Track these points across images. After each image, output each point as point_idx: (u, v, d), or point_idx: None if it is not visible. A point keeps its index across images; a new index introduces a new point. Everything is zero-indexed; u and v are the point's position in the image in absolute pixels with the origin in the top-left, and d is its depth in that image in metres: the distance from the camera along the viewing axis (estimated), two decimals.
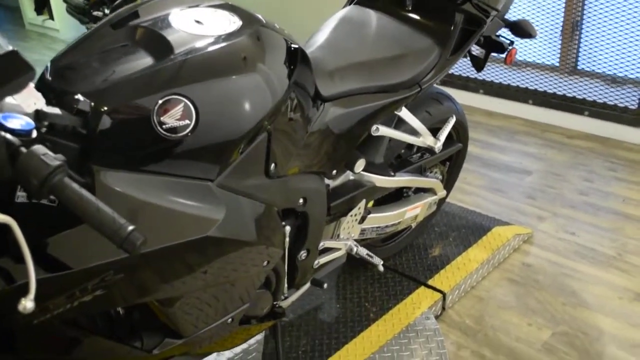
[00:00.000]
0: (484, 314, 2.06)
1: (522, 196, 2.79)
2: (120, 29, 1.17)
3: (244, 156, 1.17)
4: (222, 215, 1.12)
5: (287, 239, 1.47)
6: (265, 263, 1.30)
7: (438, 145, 1.84)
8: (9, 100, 0.92)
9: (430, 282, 2.12)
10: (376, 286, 2.11)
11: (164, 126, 1.04)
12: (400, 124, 1.73)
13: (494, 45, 1.99)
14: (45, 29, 7.27)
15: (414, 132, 1.76)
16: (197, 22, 1.21)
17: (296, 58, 1.31)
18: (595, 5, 3.36)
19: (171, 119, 1.04)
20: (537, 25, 3.57)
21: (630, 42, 3.30)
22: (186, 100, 1.06)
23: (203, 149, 1.09)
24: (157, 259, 1.05)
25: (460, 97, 3.92)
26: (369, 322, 1.94)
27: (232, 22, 1.23)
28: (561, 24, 3.54)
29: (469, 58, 2.08)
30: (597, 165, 3.05)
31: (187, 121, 1.06)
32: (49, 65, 1.11)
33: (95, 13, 5.53)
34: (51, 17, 6.96)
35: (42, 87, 1.08)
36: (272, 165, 1.26)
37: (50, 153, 0.83)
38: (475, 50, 2.06)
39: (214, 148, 1.10)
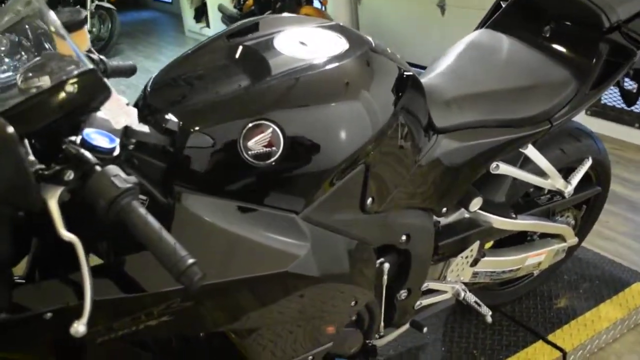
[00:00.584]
0: None
1: None
2: (224, 47, 1.14)
3: (336, 189, 1.10)
4: (305, 250, 1.04)
5: (385, 277, 1.37)
6: (353, 303, 1.21)
7: (569, 190, 1.64)
8: (100, 114, 0.91)
9: (550, 337, 1.90)
10: (488, 333, 1.93)
11: (249, 152, 0.99)
12: (526, 162, 1.56)
13: None
14: (202, 36, 7.71)
15: (540, 172, 1.58)
16: (302, 43, 1.15)
17: (406, 85, 1.21)
18: None
19: (257, 145, 0.99)
20: None
21: None
22: (274, 127, 1.00)
23: (288, 179, 1.03)
24: (231, 290, 1.00)
25: (613, 130, 3.57)
26: None
27: (338, 45, 1.16)
28: None
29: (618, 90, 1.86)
30: None
31: (274, 148, 1.00)
32: (150, 80, 1.11)
33: None
34: (208, 26, 7.37)
35: (141, 102, 1.07)
36: (369, 200, 1.17)
37: (122, 174, 0.80)
38: (628, 83, 1.83)
39: (300, 179, 1.04)
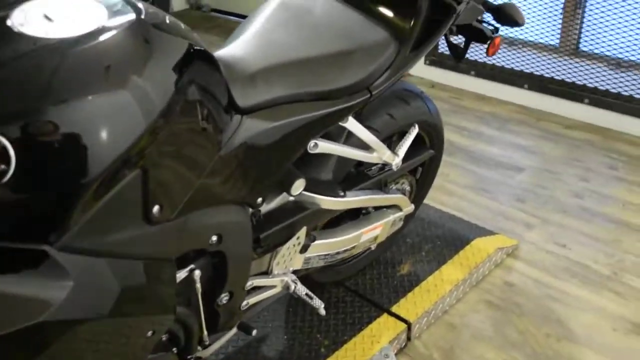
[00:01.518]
0: (454, 347, 1.78)
1: (511, 198, 2.48)
2: None
3: (105, 203, 0.87)
4: (65, 291, 0.82)
5: (199, 285, 1.18)
6: (149, 334, 1.01)
7: (397, 161, 1.53)
8: None
9: (394, 308, 1.83)
10: (332, 312, 1.82)
11: None
12: (350, 135, 1.42)
13: (474, 34, 1.67)
14: None
15: (365, 146, 1.45)
16: (47, 17, 0.89)
17: (192, 62, 0.99)
18: None
19: None
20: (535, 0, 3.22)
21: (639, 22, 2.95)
22: (1, 138, 0.75)
23: (29, 202, 0.79)
24: None
25: (450, 79, 3.58)
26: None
27: (96, 17, 0.91)
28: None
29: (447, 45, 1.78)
30: (596, 161, 2.73)
31: (3, 166, 0.76)
32: None
33: None
34: None
35: None
36: (156, 208, 0.96)
37: None
38: (455, 38, 1.74)
39: (46, 200, 0.80)
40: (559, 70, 3.14)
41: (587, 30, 3.19)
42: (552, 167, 2.69)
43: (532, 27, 3.31)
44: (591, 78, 3.04)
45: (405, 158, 1.66)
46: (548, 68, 3.18)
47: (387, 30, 1.34)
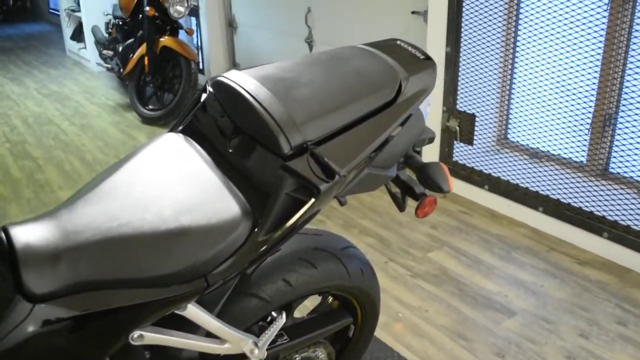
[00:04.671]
0: None
1: (490, 351, 2.15)
2: None
3: None
4: None
5: None
6: None
7: (257, 355, 1.26)
8: None
9: None
10: None
11: None
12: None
13: (404, 188, 1.43)
14: (80, 58, 7.16)
15: (210, 335, 1.21)
16: None
17: None
18: (634, 96, 2.67)
19: None
20: (563, 115, 2.91)
21: None
22: None
23: None
24: None
25: (464, 190, 3.30)
26: None
27: None
28: (590, 115, 2.87)
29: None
30: (604, 312, 2.35)
31: None
32: None
33: (104, 52, 5.29)
34: (85, 47, 6.83)
35: None
36: None
37: None
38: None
39: None
40: (579, 195, 2.79)
41: (616, 152, 2.85)
42: (550, 315, 2.33)
43: (559, 140, 3.00)
44: (612, 207, 2.68)
45: (315, 325, 1.41)
46: (567, 191, 2.84)
47: (241, 206, 1.12)
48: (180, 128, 1.31)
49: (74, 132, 4.66)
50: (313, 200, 1.07)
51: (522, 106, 3.14)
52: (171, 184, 1.12)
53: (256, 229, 1.08)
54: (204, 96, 1.28)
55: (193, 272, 1.05)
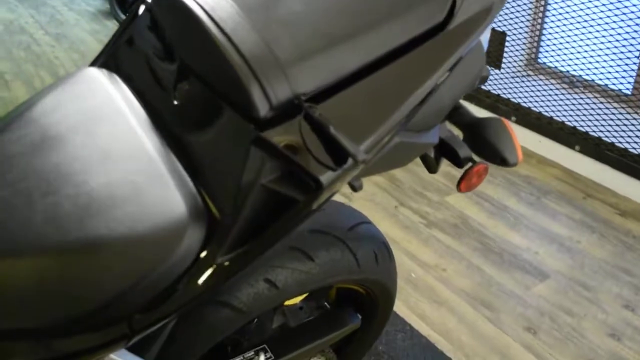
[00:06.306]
0: None
1: (519, 324, 1.81)
2: None
3: None
4: None
5: None
6: None
7: None
8: None
9: None
10: None
11: None
12: None
13: (445, 150, 1.03)
14: None
15: None
16: None
17: None
18: None
19: None
20: (609, 41, 2.44)
21: None
22: None
23: None
24: None
25: None
26: None
27: None
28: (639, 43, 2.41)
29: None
30: None
31: None
32: None
33: None
34: None
35: None
36: None
37: None
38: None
39: None
40: (625, 135, 2.37)
41: None
42: (589, 279, 1.98)
43: (603, 68, 2.54)
44: None
45: (311, 333, 1.05)
46: (612, 128, 2.42)
47: (187, 202, 0.67)
48: (103, 60, 0.88)
49: (47, 43, 4.17)
50: (306, 198, 0.66)
51: (556, 23, 2.65)
52: (75, 162, 0.71)
53: (212, 242, 0.67)
54: (141, 13, 0.84)
55: (106, 313, 0.65)
